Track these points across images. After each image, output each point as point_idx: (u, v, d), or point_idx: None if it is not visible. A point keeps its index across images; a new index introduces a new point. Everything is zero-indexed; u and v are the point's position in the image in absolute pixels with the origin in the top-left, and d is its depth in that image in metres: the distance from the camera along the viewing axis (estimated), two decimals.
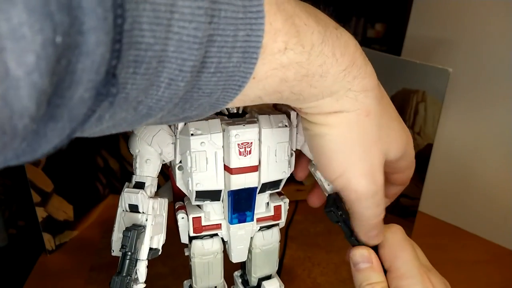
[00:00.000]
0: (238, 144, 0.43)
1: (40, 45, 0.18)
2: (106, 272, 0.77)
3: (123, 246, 0.41)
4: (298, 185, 0.93)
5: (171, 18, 0.24)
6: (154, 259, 0.46)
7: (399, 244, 0.44)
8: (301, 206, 0.94)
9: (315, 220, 0.91)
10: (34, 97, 0.19)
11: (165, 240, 0.47)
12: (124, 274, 0.41)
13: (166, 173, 0.53)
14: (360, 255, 0.44)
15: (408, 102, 0.85)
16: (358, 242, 0.45)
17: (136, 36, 0.23)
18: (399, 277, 0.43)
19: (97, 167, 0.95)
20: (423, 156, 0.85)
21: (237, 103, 0.34)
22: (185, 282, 0.56)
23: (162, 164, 0.47)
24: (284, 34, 0.31)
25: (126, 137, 0.93)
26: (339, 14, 1.03)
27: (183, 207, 0.50)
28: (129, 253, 0.41)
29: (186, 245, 0.52)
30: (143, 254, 0.43)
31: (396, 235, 0.45)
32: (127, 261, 0.41)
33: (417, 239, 0.46)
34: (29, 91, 0.19)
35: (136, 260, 0.42)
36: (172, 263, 0.74)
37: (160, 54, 0.25)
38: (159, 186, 0.48)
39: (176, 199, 0.52)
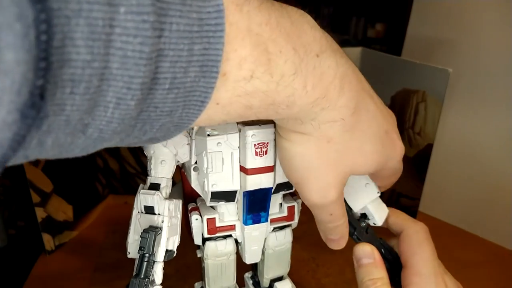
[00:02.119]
0: (255, 145, 0.43)
1: None
2: (110, 272, 0.76)
3: (141, 248, 0.41)
4: None
5: (111, 32, 0.22)
6: None
7: (419, 242, 0.45)
8: (305, 206, 0.93)
9: None
10: None
11: (180, 240, 0.46)
12: (142, 276, 0.41)
13: None
14: (363, 251, 0.45)
15: (408, 102, 0.85)
16: (360, 240, 0.47)
17: (69, 53, 0.21)
18: (414, 274, 0.43)
19: (97, 168, 0.95)
20: (423, 156, 0.85)
21: (203, 124, 0.33)
22: (196, 284, 0.56)
23: None
24: (252, 62, 0.30)
25: None
26: (339, 14, 1.03)
27: (196, 208, 0.50)
28: (147, 255, 0.41)
29: (197, 246, 0.52)
30: (160, 256, 0.42)
31: (418, 233, 0.45)
32: (145, 263, 0.41)
33: None
34: None
35: (154, 262, 0.42)
36: (176, 264, 0.74)
37: (102, 71, 0.23)
38: None
39: (188, 201, 0.51)
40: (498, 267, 0.83)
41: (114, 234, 0.87)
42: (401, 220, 0.48)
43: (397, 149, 0.43)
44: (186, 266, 0.73)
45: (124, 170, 0.98)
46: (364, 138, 0.39)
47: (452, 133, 0.90)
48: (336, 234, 0.44)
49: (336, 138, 0.37)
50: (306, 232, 0.89)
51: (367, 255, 0.45)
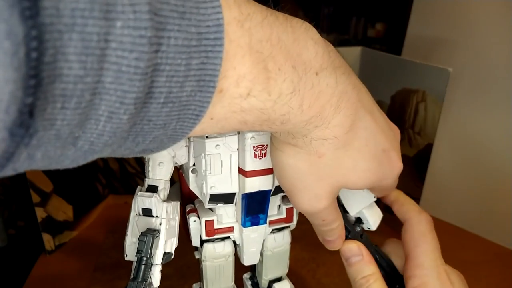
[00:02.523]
0: (254, 147, 0.43)
1: None
2: (110, 272, 0.76)
3: (139, 251, 0.41)
4: None
5: (106, 47, 0.22)
6: None
7: (422, 234, 0.45)
8: None
9: None
10: None
11: (177, 243, 0.46)
12: (140, 280, 0.41)
13: None
14: (349, 250, 0.46)
15: (408, 101, 0.85)
16: (348, 237, 0.47)
17: (61, 69, 0.21)
18: (415, 266, 0.44)
19: (97, 168, 0.95)
20: (423, 156, 0.85)
21: (196, 135, 0.33)
22: (194, 285, 0.56)
23: None
24: (250, 80, 0.29)
25: None
26: (339, 14, 1.03)
27: (194, 210, 0.49)
28: (145, 258, 0.41)
29: (195, 248, 0.52)
30: (158, 258, 0.42)
31: (421, 225, 0.45)
32: (143, 266, 0.41)
33: None
34: None
35: (151, 264, 0.42)
36: (176, 264, 0.74)
37: (95, 86, 0.22)
38: None
39: (185, 202, 0.51)
40: (498, 267, 0.83)
41: (114, 234, 0.87)
42: (405, 209, 0.47)
43: (395, 169, 0.42)
44: (187, 266, 0.73)
45: (124, 170, 0.98)
46: (358, 156, 0.38)
47: (452, 133, 0.90)
48: (332, 235, 0.45)
49: (328, 155, 0.37)
50: (306, 232, 0.89)
51: (355, 253, 0.45)
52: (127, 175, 0.98)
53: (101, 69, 0.22)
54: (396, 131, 0.43)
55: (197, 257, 0.51)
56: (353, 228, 0.47)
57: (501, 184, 0.86)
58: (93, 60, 0.22)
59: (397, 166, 0.42)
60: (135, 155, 0.32)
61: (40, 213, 0.78)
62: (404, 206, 0.48)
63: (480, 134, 0.87)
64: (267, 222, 0.49)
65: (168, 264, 0.75)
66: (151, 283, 0.42)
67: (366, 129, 0.38)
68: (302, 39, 0.32)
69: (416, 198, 0.90)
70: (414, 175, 0.88)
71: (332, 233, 0.44)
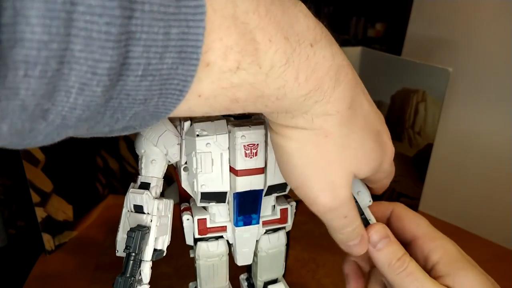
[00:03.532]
0: (244, 146, 0.43)
1: None
2: (111, 271, 0.76)
3: (127, 247, 0.41)
4: None
5: (73, 11, 0.20)
6: (159, 259, 0.45)
7: (415, 214, 0.45)
8: (306, 207, 0.92)
9: (319, 221, 0.89)
10: None
11: (170, 240, 0.46)
12: (128, 275, 0.41)
13: (166, 175, 0.52)
14: (378, 233, 0.42)
15: (408, 101, 0.85)
16: None
17: (22, 32, 0.20)
18: (430, 239, 0.43)
19: (97, 167, 0.95)
20: (423, 156, 0.85)
21: (182, 115, 0.30)
22: (190, 284, 0.56)
23: (168, 165, 0.47)
24: (238, 51, 0.27)
25: (126, 138, 0.94)
26: (339, 13, 1.03)
27: (188, 208, 0.50)
28: (133, 254, 0.41)
29: (191, 246, 0.52)
30: (147, 255, 0.43)
31: (406, 208, 0.45)
32: (131, 262, 0.41)
33: None
34: None
35: (141, 261, 0.42)
36: (176, 263, 0.74)
37: (62, 53, 0.21)
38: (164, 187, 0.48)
39: (182, 200, 0.51)
40: (498, 267, 0.82)
41: (114, 234, 0.87)
42: (383, 207, 0.47)
43: (388, 150, 0.41)
44: (186, 265, 0.73)
45: (124, 170, 0.98)
46: (363, 135, 0.37)
47: (452, 133, 0.90)
48: (356, 237, 0.41)
49: (334, 133, 0.35)
50: (306, 232, 0.89)
51: (383, 235, 0.42)
52: (127, 175, 0.98)
53: (69, 35, 0.21)
54: (382, 115, 0.41)
55: (191, 255, 0.51)
56: None
57: (501, 184, 0.86)
58: (58, 24, 0.20)
59: (390, 148, 0.41)
60: (117, 133, 0.30)
61: (40, 213, 0.78)
62: (380, 205, 0.47)
63: (480, 134, 0.87)
64: (260, 222, 0.49)
65: (168, 263, 0.75)
66: (141, 280, 0.42)
67: (362, 108, 0.37)
68: (292, 12, 0.31)
69: (416, 198, 0.90)
70: (414, 175, 0.88)
71: (355, 233, 0.41)
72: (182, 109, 0.29)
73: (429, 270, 0.42)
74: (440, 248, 0.42)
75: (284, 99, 0.31)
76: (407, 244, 0.44)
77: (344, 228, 0.40)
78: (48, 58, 0.21)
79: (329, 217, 0.39)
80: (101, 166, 0.96)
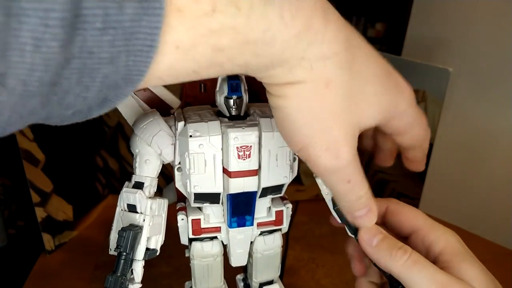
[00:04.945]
0: (237, 147, 0.42)
1: None
2: (111, 271, 0.77)
3: (118, 246, 0.41)
4: (298, 185, 0.93)
5: None
6: (158, 259, 0.45)
7: (410, 207, 0.44)
8: (306, 207, 0.94)
9: (319, 221, 0.91)
10: None
11: (169, 240, 0.46)
12: (118, 274, 0.41)
13: (166, 174, 0.53)
14: (368, 232, 0.41)
15: None
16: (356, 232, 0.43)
17: None
18: (431, 230, 0.42)
19: (97, 167, 0.95)
20: None
21: (167, 77, 0.27)
22: (186, 283, 0.56)
23: (165, 165, 0.47)
24: None
25: (126, 137, 0.94)
26: (339, 13, 1.03)
27: (183, 208, 0.50)
28: (124, 253, 0.41)
29: (187, 246, 0.52)
30: (139, 254, 0.43)
31: (400, 203, 0.45)
32: (122, 261, 0.41)
33: None
34: None
35: (132, 260, 0.42)
36: (176, 263, 0.75)
37: (7, 4, 0.19)
38: (160, 187, 0.48)
39: (180, 200, 0.51)
40: (498, 267, 0.82)
41: None
42: (377, 204, 0.44)
43: (405, 91, 0.38)
44: (186, 265, 0.73)
45: (124, 170, 0.98)
46: (363, 79, 0.34)
47: (452, 133, 0.90)
48: (361, 206, 0.39)
49: (335, 80, 0.32)
50: (306, 232, 0.90)
51: (376, 232, 0.41)
52: (127, 175, 0.98)
53: None
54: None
55: (187, 255, 0.51)
56: None
57: (501, 184, 0.85)
58: None
59: (406, 87, 0.38)
60: (96, 110, 0.27)
61: (40, 213, 0.78)
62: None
63: (480, 134, 0.87)
64: (255, 224, 0.49)
65: (167, 263, 0.75)
66: (132, 279, 0.42)
67: (361, 49, 0.34)
68: None
69: (416, 198, 0.90)
70: (414, 175, 0.88)
71: (360, 202, 0.39)
72: (162, 69, 0.26)
73: (432, 261, 0.40)
74: (443, 239, 0.41)
75: (274, 43, 0.29)
76: (406, 239, 0.43)
77: (348, 194, 0.38)
78: None
79: (332, 181, 0.37)
80: (101, 166, 0.96)
